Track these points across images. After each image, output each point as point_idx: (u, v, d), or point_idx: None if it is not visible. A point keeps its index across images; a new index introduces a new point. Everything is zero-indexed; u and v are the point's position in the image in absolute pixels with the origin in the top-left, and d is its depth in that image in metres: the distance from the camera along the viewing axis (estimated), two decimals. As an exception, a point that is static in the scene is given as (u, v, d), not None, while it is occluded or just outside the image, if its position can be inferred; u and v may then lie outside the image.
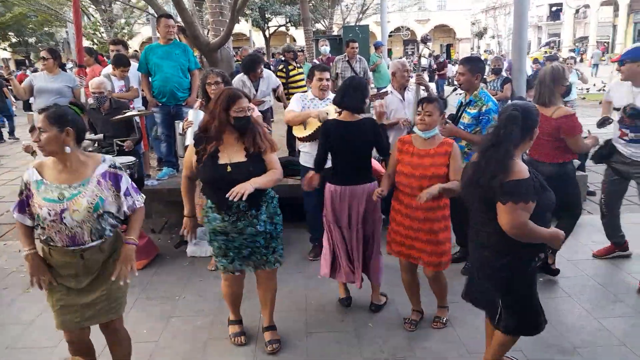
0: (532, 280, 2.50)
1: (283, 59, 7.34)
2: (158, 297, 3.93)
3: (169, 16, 5.72)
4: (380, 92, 4.34)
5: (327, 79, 4.21)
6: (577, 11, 39.08)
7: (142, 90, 5.92)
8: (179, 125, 4.25)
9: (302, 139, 4.24)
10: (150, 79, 5.60)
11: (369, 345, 3.21)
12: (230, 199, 2.62)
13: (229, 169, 2.79)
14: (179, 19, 7.06)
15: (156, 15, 6.73)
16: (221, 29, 7.38)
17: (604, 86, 14.42)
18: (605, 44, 38.00)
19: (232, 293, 3.22)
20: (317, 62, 8.96)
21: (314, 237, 4.56)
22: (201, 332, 3.42)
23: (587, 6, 38.22)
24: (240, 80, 5.64)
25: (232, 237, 2.92)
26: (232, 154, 2.84)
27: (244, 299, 3.38)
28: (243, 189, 2.64)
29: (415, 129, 3.12)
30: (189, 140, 3.95)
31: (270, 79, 5.91)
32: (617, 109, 3.90)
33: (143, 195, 2.63)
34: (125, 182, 2.50)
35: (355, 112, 3.37)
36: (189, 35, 6.84)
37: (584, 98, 8.85)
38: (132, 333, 2.87)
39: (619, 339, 3.16)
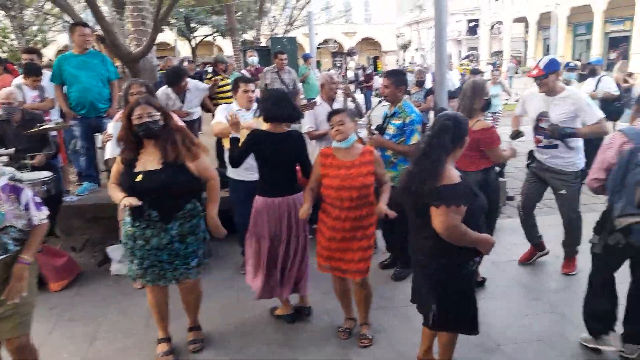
0: (468, 282, 2.62)
1: (211, 69, 7.30)
2: (80, 318, 3.71)
3: (85, 24, 5.45)
4: (310, 102, 4.37)
5: (253, 90, 4.16)
6: (492, 27, 41.64)
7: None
8: (99, 139, 4.07)
9: None
10: (65, 89, 5.28)
11: (303, 355, 3.20)
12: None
13: (139, 177, 2.79)
14: (97, 27, 6.76)
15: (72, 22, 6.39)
16: (143, 38, 7.15)
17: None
18: (518, 58, 40.77)
19: (156, 301, 3.13)
20: (245, 73, 8.89)
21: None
22: (127, 353, 3.25)
23: (500, 22, 40.80)
24: (164, 93, 5.49)
25: (138, 245, 2.89)
26: (147, 162, 2.84)
27: (173, 318, 3.26)
28: (217, 227, 3.03)
29: (334, 143, 3.14)
30: (109, 154, 3.81)
31: (197, 88, 5.81)
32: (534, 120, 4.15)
33: (46, 211, 2.51)
34: (25, 196, 2.43)
35: (286, 121, 3.37)
36: (109, 44, 6.56)
37: (501, 109, 9.57)
38: (52, 357, 2.69)
39: (537, 335, 3.36)
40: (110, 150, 3.83)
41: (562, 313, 3.64)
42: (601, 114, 3.90)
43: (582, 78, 8.55)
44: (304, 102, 5.24)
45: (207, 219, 3.03)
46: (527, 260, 4.50)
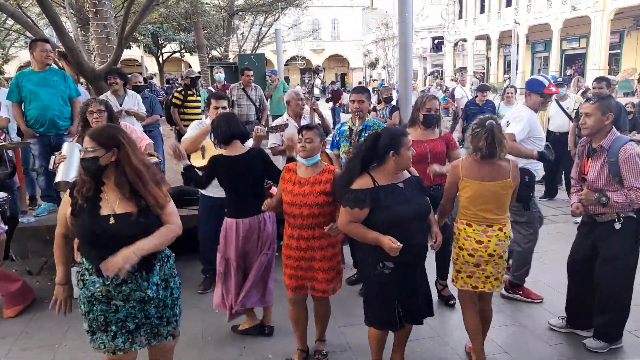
0: (381, 285, 2.76)
1: (183, 83, 7.45)
2: (35, 347, 3.54)
3: (46, 40, 5.34)
4: (281, 124, 4.36)
5: (224, 107, 4.18)
6: (456, 44, 42.78)
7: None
8: (51, 160, 3.81)
9: (201, 169, 4.14)
10: (23, 107, 5.13)
11: (268, 377, 3.14)
12: (105, 275, 2.21)
13: (112, 220, 2.30)
14: (60, 43, 6.64)
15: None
16: (108, 55, 7.06)
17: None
18: (481, 73, 41.97)
19: None
20: (212, 89, 8.86)
21: (206, 269, 4.42)
22: (85, 383, 3.12)
23: (464, 40, 41.99)
24: (104, 96, 5.69)
25: (116, 307, 2.37)
26: (116, 203, 2.35)
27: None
28: (125, 261, 2.18)
29: (297, 157, 3.10)
30: (60, 176, 3.55)
31: (135, 98, 5.98)
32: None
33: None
34: None
35: (238, 139, 3.38)
36: (72, 61, 6.44)
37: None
38: (1, 392, 2.54)
39: (501, 347, 3.40)
40: (62, 172, 3.57)
41: (523, 325, 3.71)
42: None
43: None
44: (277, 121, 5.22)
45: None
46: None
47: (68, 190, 2.43)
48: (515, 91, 7.48)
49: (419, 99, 4.01)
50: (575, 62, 32.95)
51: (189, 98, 7.11)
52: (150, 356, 2.66)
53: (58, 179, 3.57)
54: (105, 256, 2.21)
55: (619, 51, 29.52)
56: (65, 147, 3.78)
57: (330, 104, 17.86)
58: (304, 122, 4.78)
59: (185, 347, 3.46)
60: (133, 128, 4.43)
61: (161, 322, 2.49)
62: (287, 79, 23.08)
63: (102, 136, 2.33)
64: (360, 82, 39.84)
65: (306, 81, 41.94)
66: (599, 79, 5.93)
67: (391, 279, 2.73)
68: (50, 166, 3.76)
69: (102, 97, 5.51)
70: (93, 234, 2.28)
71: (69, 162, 3.56)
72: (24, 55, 25.81)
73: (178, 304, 2.60)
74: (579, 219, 5.86)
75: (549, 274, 4.56)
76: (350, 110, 4.35)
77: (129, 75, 6.85)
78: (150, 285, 2.39)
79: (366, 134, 4.13)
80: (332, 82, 21.87)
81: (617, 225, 3.11)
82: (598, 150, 3.18)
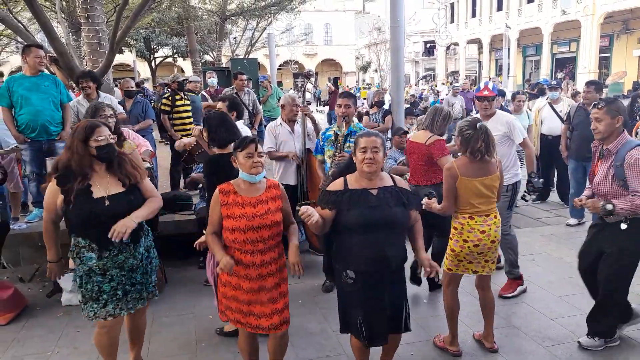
0: (347, 293, 2.73)
1: (170, 88, 7.34)
2: (27, 354, 3.50)
3: (40, 46, 5.31)
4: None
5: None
6: (448, 48, 43.00)
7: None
8: (49, 164, 3.85)
9: None
10: (14, 112, 5.09)
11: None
12: (113, 239, 2.59)
13: (107, 202, 2.69)
14: (51, 48, 6.61)
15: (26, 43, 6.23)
16: (100, 60, 7.04)
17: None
18: (473, 77, 42.21)
19: (109, 343, 2.89)
20: (205, 94, 8.83)
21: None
22: (78, 390, 3.10)
23: (456, 44, 42.22)
24: (76, 100, 5.66)
25: (110, 276, 2.76)
26: (107, 187, 2.75)
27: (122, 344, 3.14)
28: (125, 227, 2.62)
29: (243, 174, 2.72)
30: None
31: (108, 101, 5.86)
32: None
33: None
34: None
35: (224, 147, 3.33)
36: (63, 66, 6.41)
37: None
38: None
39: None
40: None
41: (516, 326, 3.73)
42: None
43: (531, 97, 8.88)
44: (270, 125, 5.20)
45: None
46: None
47: (54, 180, 2.70)
48: (527, 97, 7.22)
49: (448, 114, 4.18)
50: (566, 65, 33.19)
51: (177, 103, 7.03)
52: (129, 318, 3.05)
53: None
54: (103, 232, 2.61)
55: (609, 55, 29.76)
56: None
57: (327, 108, 17.66)
58: (296, 127, 4.79)
59: (179, 352, 3.46)
60: (135, 134, 4.43)
61: (143, 288, 2.92)
62: (280, 84, 23.08)
63: (110, 126, 3.01)
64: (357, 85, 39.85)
65: (299, 85, 41.98)
66: (588, 83, 5.99)
67: (355, 289, 2.65)
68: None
69: (74, 102, 5.53)
70: (91, 215, 2.65)
71: None
72: (15, 60, 25.69)
73: (155, 271, 3.07)
74: (571, 221, 6.04)
75: (542, 276, 4.59)
76: (336, 114, 4.35)
77: (121, 81, 6.82)
78: (138, 254, 2.85)
79: (352, 139, 4.14)
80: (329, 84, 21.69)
81: (623, 226, 3.11)
82: (605, 154, 3.22)
